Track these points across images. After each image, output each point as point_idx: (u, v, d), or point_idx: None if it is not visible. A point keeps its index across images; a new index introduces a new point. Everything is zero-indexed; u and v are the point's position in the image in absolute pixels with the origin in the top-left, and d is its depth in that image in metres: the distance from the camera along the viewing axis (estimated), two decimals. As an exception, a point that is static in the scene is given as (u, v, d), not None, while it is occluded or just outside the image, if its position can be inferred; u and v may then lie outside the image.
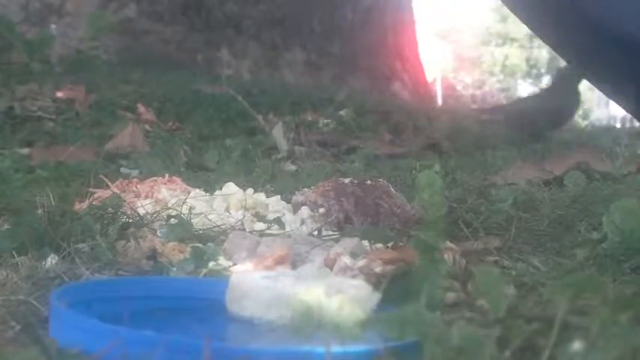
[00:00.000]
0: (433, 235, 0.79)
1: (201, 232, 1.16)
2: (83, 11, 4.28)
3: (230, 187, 1.36)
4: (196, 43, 4.64)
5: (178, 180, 1.46)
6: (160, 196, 1.34)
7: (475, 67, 12.75)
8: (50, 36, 3.74)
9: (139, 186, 1.41)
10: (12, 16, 4.10)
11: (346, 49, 5.18)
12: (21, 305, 0.83)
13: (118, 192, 1.35)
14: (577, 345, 0.61)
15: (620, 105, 1.57)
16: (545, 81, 12.60)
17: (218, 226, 1.19)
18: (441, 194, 0.97)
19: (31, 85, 3.00)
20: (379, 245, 1.05)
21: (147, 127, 2.70)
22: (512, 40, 12.93)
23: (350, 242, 1.02)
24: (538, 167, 1.98)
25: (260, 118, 2.81)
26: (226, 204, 1.30)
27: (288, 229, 1.21)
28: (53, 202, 1.14)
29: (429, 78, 7.35)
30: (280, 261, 0.94)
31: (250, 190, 1.35)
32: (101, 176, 1.50)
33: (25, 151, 2.18)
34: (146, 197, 1.36)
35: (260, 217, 1.26)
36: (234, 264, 1.02)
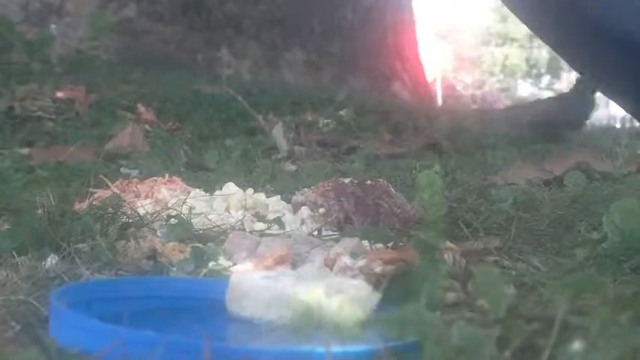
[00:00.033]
0: (433, 235, 0.79)
1: (201, 232, 1.16)
2: (83, 11, 4.28)
3: (230, 187, 1.36)
4: (196, 43, 4.64)
5: (178, 180, 1.46)
6: (160, 196, 1.34)
7: (475, 67, 12.74)
8: (50, 36, 3.75)
9: (139, 186, 1.41)
10: (12, 16, 4.11)
11: (346, 49, 5.18)
12: (21, 305, 0.83)
13: (118, 192, 1.35)
14: (577, 345, 0.61)
15: (619, 105, 1.57)
16: (545, 81, 12.60)
17: (218, 226, 1.19)
18: (441, 194, 0.97)
19: (31, 85, 3.00)
20: (379, 245, 1.05)
21: (147, 127, 2.70)
22: (512, 40, 12.92)
23: (350, 242, 1.02)
24: (538, 167, 1.98)
25: (260, 118, 2.81)
26: (226, 204, 1.30)
27: (288, 229, 1.21)
28: (53, 202, 1.14)
29: (429, 78, 7.35)
30: (280, 261, 0.94)
31: (250, 190, 1.35)
32: (101, 176, 1.50)
33: (25, 151, 2.18)
34: (146, 197, 1.36)
35: (260, 217, 1.26)
36: (234, 264, 1.02)
